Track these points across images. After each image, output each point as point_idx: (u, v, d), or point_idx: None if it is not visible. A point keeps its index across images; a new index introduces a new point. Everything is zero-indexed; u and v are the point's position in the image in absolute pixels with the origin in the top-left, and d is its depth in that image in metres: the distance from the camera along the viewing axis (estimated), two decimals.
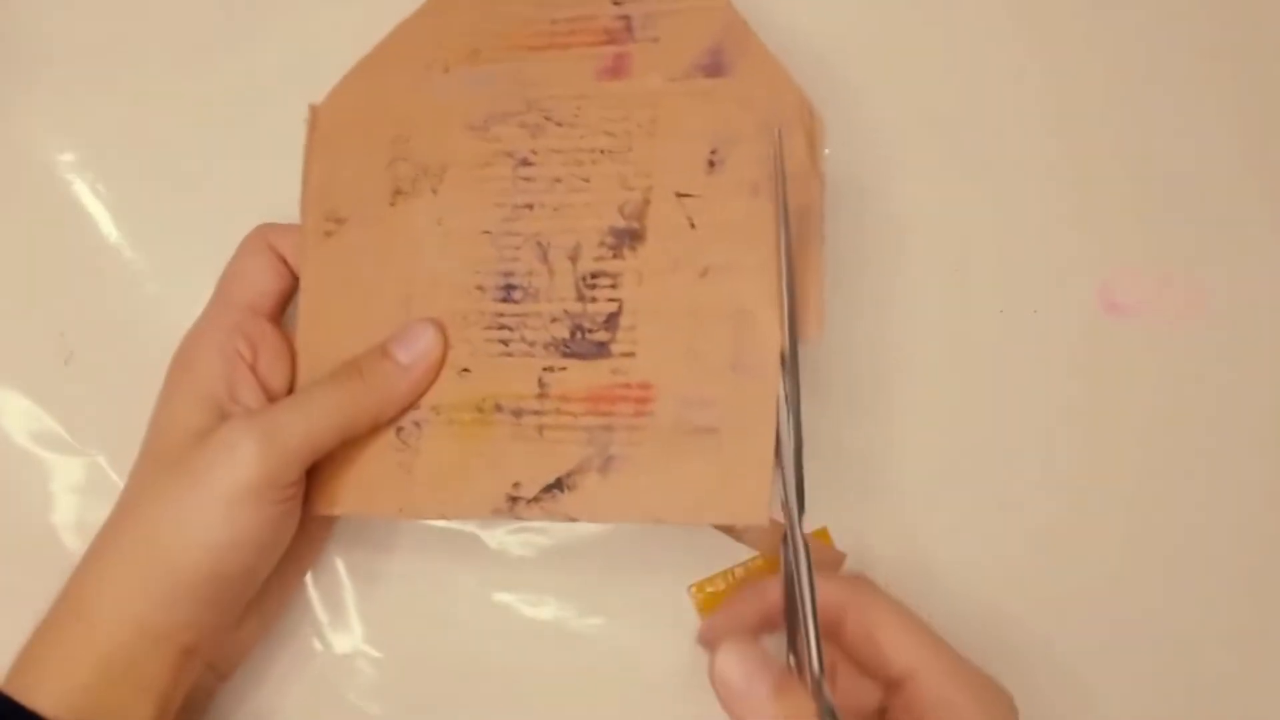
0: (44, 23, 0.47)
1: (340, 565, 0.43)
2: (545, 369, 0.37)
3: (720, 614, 0.39)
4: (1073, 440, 0.42)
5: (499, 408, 0.37)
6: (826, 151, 0.37)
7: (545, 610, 0.42)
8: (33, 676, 0.34)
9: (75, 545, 0.42)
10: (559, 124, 0.39)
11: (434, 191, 0.39)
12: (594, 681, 0.42)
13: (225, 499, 0.34)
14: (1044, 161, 0.44)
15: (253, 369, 0.38)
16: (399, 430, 0.38)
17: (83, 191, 0.46)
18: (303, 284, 0.39)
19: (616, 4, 0.39)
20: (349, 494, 0.38)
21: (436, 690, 0.42)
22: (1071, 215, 0.43)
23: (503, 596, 0.43)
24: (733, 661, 0.31)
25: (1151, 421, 0.42)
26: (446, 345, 0.38)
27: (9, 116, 0.46)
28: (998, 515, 0.42)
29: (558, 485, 0.36)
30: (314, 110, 0.41)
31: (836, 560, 0.40)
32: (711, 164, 0.37)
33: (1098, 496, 0.41)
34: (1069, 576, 0.41)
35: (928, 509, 0.42)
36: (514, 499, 0.36)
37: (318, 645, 0.43)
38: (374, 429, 0.37)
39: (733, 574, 0.42)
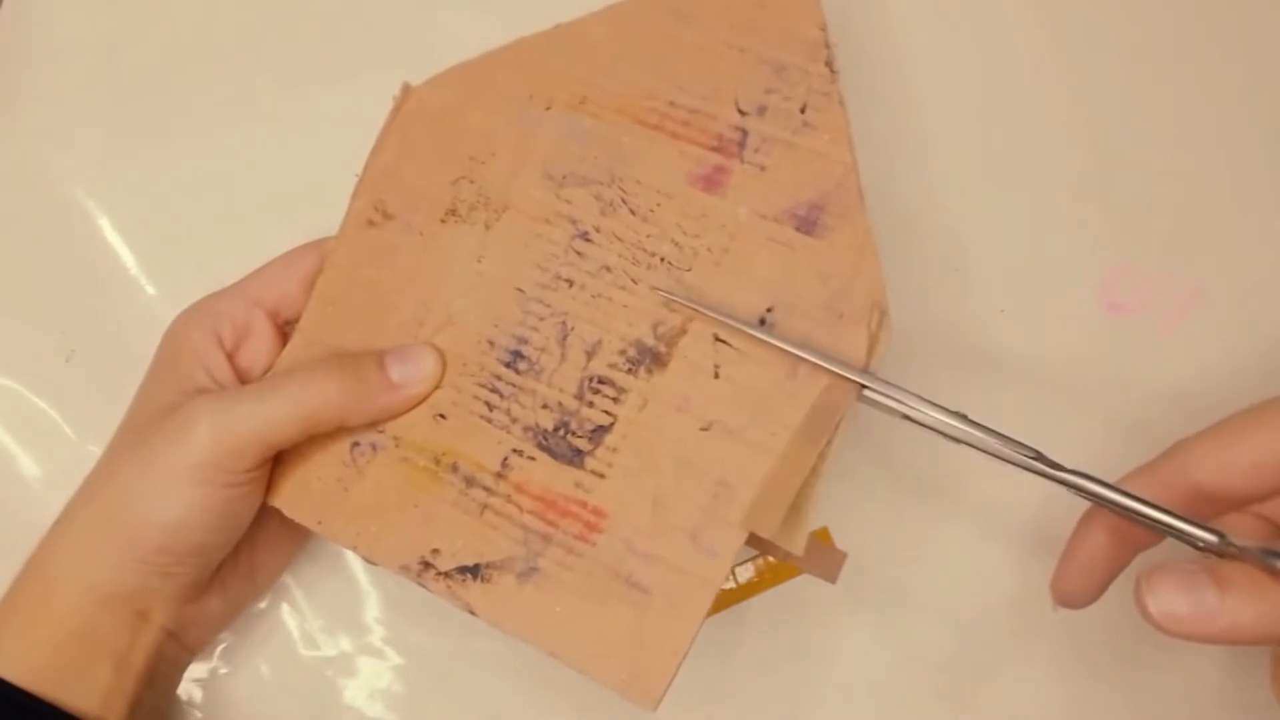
0: (48, 26, 0.47)
1: (356, 563, 0.43)
2: (514, 450, 0.35)
3: (1064, 568, 0.34)
4: (1072, 440, 0.39)
5: (455, 468, 0.35)
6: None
7: None
8: None
9: None
10: (633, 211, 0.36)
11: (487, 227, 0.37)
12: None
13: (175, 478, 0.34)
14: (1045, 161, 0.43)
15: (230, 357, 0.37)
16: (354, 445, 0.36)
17: (84, 193, 0.45)
18: (327, 264, 0.38)
19: (742, 113, 0.35)
20: (284, 489, 0.36)
21: (447, 695, 0.42)
22: (1073, 215, 0.43)
23: None
24: (1162, 590, 0.28)
25: (1152, 419, 0.41)
26: (439, 383, 0.36)
27: (13, 118, 0.46)
28: (999, 516, 0.41)
29: (473, 571, 0.34)
30: (406, 90, 0.38)
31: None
32: (763, 321, 0.34)
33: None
34: None
35: (929, 509, 0.41)
36: (426, 564, 0.34)
37: (324, 646, 0.42)
38: (334, 434, 0.36)
39: (734, 574, 0.42)
